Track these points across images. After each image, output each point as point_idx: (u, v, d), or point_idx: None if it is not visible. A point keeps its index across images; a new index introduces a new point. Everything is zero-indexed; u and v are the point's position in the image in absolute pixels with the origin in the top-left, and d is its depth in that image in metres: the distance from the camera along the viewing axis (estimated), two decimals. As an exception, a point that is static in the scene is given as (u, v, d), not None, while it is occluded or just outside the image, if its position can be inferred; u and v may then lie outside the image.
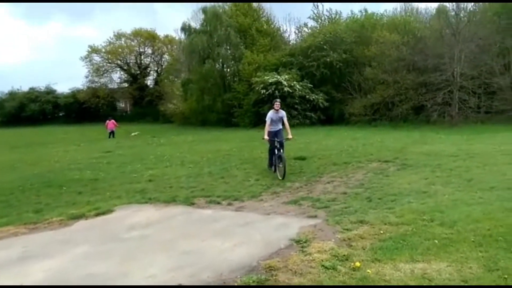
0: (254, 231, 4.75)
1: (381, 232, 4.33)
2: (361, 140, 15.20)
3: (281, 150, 8.48)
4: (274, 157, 8.60)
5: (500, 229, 4.13)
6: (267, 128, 8.73)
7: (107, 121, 25.63)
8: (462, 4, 23.73)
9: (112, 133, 24.89)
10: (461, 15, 24.04)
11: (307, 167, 9.42)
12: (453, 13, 24.26)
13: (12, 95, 53.52)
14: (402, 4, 31.64)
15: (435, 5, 28.67)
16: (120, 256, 4.18)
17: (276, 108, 8.75)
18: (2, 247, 4.66)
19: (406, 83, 24.12)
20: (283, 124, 8.91)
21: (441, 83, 22.55)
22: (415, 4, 32.52)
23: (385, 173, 8.21)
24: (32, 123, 47.73)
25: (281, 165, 8.19)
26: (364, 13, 30.93)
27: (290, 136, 8.63)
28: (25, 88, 54.36)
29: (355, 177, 7.93)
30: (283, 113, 8.87)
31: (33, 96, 52.09)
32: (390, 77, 24.59)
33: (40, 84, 55.71)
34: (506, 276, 3.17)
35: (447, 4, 24.86)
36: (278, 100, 9.10)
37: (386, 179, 7.55)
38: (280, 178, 8.02)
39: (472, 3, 24.11)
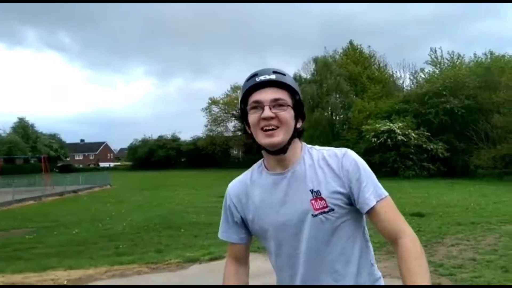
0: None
1: (524, 314, 3.64)
2: (491, 197, 13.39)
3: None
4: None
5: None
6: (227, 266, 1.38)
7: None
8: None
9: None
10: None
11: (426, 225, 8.56)
12: None
13: (144, 142, 61.18)
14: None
15: None
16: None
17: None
18: (127, 283, 5.17)
19: (547, 133, 20.91)
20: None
21: None
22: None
23: (525, 238, 7.00)
24: (158, 167, 53.60)
25: None
26: (489, 56, 28.45)
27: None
28: (155, 136, 62.19)
29: (486, 241, 6.92)
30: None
31: (161, 143, 59.00)
32: (526, 126, 21.62)
33: (167, 132, 62.87)
34: None
35: None
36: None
37: (526, 246, 6.42)
38: None
39: None
